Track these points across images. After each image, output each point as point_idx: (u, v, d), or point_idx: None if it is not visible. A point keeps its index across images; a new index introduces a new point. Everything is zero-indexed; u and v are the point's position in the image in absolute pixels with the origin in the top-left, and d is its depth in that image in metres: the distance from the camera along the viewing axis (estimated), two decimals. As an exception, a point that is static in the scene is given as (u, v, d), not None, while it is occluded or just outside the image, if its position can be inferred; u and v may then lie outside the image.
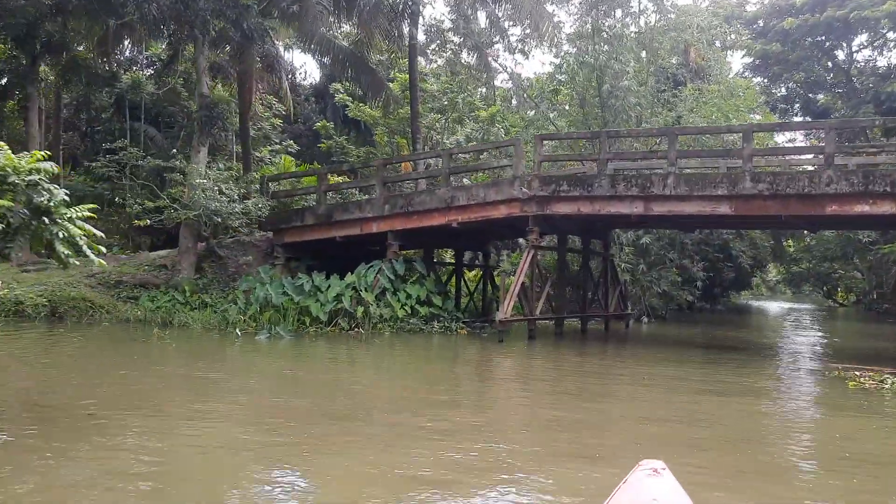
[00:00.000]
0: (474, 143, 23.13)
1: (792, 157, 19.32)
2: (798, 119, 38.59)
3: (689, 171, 17.00)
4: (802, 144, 36.40)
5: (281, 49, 29.19)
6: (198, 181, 18.22)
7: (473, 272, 23.66)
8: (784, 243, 48.79)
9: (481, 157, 22.62)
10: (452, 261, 23.52)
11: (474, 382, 11.64)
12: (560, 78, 27.36)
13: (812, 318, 35.21)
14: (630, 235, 25.37)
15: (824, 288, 56.31)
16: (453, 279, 21.66)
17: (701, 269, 28.74)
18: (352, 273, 17.54)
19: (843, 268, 52.20)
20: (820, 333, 24.58)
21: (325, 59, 26.14)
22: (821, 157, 15.20)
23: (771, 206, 15.02)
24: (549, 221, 17.73)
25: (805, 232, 51.94)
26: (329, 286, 16.95)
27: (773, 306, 51.77)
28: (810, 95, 39.04)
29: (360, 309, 16.69)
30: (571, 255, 21.65)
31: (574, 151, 22.17)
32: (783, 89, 40.13)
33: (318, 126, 29.65)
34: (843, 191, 14.08)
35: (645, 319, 25.36)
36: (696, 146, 22.69)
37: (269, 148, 27.66)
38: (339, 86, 29.96)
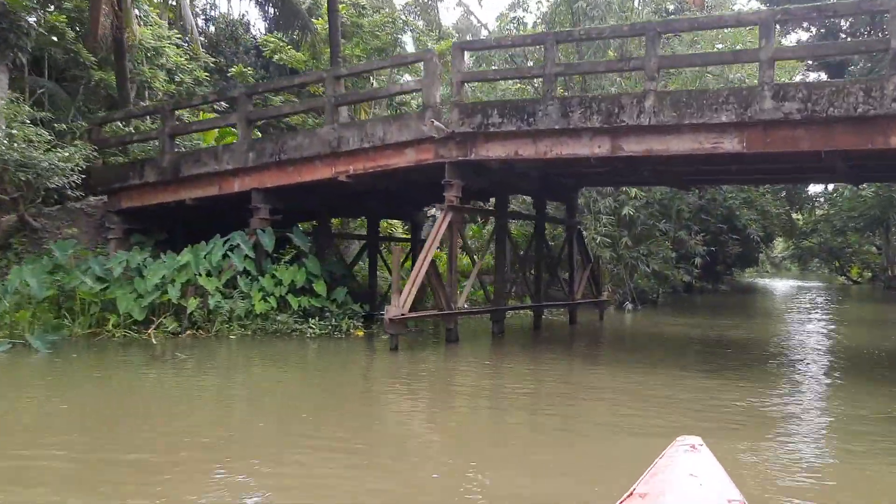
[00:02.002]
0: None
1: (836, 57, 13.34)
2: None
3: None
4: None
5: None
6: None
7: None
8: (794, 215, 43.67)
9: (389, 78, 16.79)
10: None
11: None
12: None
13: (828, 299, 29.84)
14: (610, 202, 19.98)
15: (836, 264, 51.16)
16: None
17: (701, 244, 23.33)
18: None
19: (859, 241, 47.20)
20: (846, 322, 19.24)
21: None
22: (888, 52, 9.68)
23: (804, 138, 9.63)
24: (482, 173, 12.37)
25: (817, 201, 47.09)
26: (154, 269, 11.62)
27: (781, 285, 46.44)
28: None
29: (195, 302, 11.39)
30: (522, 224, 16.33)
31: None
32: None
33: (234, 72, 24.14)
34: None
35: (629, 306, 20.05)
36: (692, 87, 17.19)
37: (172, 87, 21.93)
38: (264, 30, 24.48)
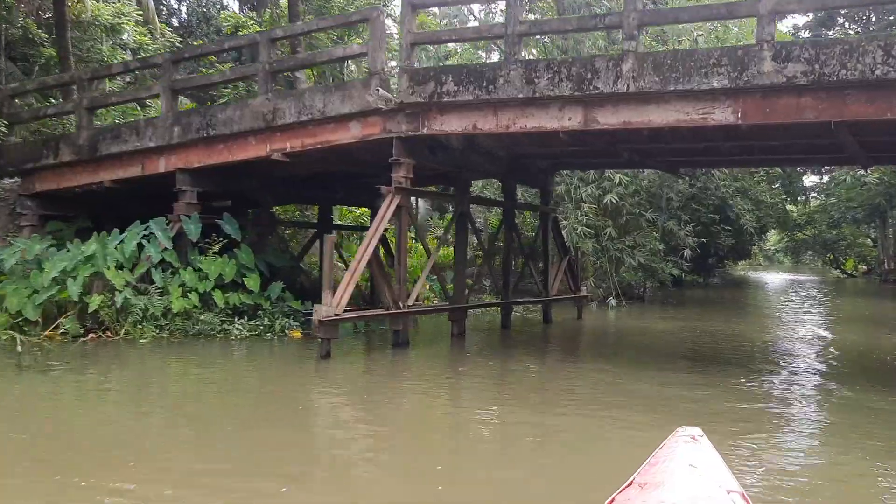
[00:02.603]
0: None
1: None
2: None
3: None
4: None
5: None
6: None
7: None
8: (788, 206, 42.25)
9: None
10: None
11: None
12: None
13: (823, 294, 28.39)
14: (593, 190, 18.41)
15: (829, 256, 49.86)
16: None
17: (691, 235, 21.78)
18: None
19: (854, 234, 45.89)
20: (841, 319, 17.76)
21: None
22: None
23: (810, 107, 8.07)
24: (439, 151, 10.80)
25: (812, 192, 45.55)
26: (53, 261, 9.99)
27: (775, 279, 44.97)
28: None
29: (98, 299, 9.77)
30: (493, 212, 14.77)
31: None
32: None
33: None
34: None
35: (613, 302, 18.51)
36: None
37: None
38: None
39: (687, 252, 20.68)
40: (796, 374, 8.95)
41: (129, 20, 21.90)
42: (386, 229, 10.69)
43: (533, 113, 9.28)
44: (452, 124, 9.74)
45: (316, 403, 6.99)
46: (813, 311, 19.34)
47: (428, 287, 15.12)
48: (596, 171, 18.06)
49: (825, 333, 13.75)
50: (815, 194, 41.17)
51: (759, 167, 24.42)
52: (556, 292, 14.09)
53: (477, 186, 19.14)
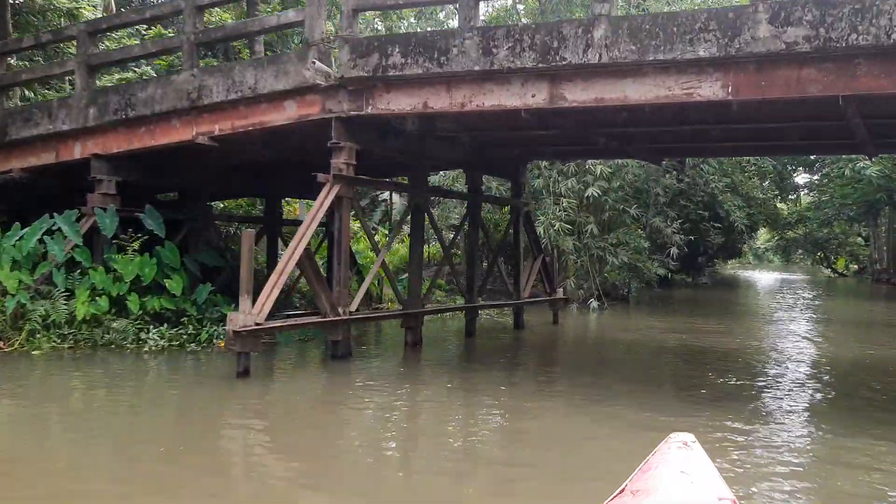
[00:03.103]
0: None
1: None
2: None
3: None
4: None
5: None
6: None
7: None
8: (779, 204, 41.19)
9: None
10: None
11: None
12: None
13: (815, 294, 27.27)
14: (574, 183, 17.12)
15: (820, 255, 48.99)
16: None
17: (678, 232, 20.58)
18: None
19: (846, 232, 44.92)
20: (834, 323, 16.59)
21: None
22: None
23: (815, 80, 6.80)
24: (389, 134, 9.49)
25: (803, 189, 44.43)
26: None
27: (765, 278, 43.96)
28: None
29: (-17, 305, 8.41)
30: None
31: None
32: None
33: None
34: None
35: (594, 304, 17.24)
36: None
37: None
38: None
39: (674, 250, 19.45)
40: (791, 415, 7.66)
41: (86, 4, 20.48)
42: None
43: (492, 89, 7.97)
44: (400, 102, 8.43)
45: (203, 441, 5.63)
46: (806, 317, 18.14)
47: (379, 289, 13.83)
48: (576, 163, 16.80)
49: (820, 348, 12.57)
50: (807, 192, 40.08)
51: (753, 156, 23.16)
52: (528, 294, 12.80)
53: (448, 178, 17.84)
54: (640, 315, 17.08)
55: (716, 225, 24.42)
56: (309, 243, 8.15)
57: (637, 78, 7.35)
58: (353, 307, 8.85)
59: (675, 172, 21.32)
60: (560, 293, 13.96)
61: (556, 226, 16.09)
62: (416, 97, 8.35)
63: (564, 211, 16.70)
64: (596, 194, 16.54)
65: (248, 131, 9.18)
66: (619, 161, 17.36)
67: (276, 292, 7.69)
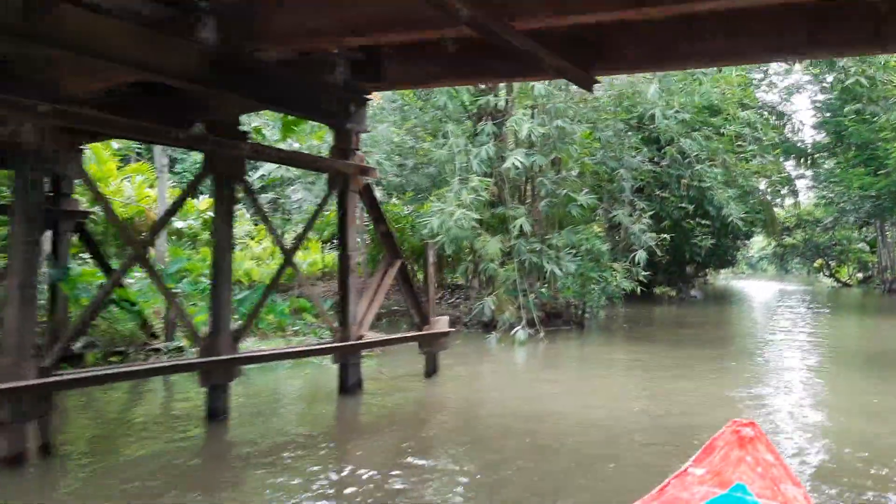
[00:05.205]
0: None
1: None
2: None
3: None
4: None
5: None
6: None
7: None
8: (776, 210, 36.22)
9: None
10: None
11: None
12: None
13: (822, 310, 21.69)
14: (488, 150, 11.52)
15: (820, 263, 44.09)
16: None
17: (650, 229, 14.58)
18: None
19: (850, 238, 40.00)
20: (853, 352, 10.99)
21: None
22: None
23: None
24: None
25: (798, 198, 39.25)
26: None
27: (761, 289, 38.40)
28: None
29: None
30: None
31: None
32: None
33: None
34: None
35: (520, 335, 11.53)
36: None
37: None
38: None
39: (641, 255, 13.65)
40: None
41: None
42: None
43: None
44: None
45: None
46: (817, 350, 12.49)
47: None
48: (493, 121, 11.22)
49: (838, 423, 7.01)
50: (815, 185, 35.25)
51: (726, 65, 17.47)
52: (362, 333, 7.13)
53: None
54: (592, 346, 11.51)
55: (703, 223, 18.67)
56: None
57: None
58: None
59: (644, 149, 15.73)
60: (442, 323, 8.29)
61: (457, 214, 10.45)
62: None
63: (475, 192, 11.07)
64: (518, 165, 10.91)
65: None
66: (559, 119, 11.77)
67: None
